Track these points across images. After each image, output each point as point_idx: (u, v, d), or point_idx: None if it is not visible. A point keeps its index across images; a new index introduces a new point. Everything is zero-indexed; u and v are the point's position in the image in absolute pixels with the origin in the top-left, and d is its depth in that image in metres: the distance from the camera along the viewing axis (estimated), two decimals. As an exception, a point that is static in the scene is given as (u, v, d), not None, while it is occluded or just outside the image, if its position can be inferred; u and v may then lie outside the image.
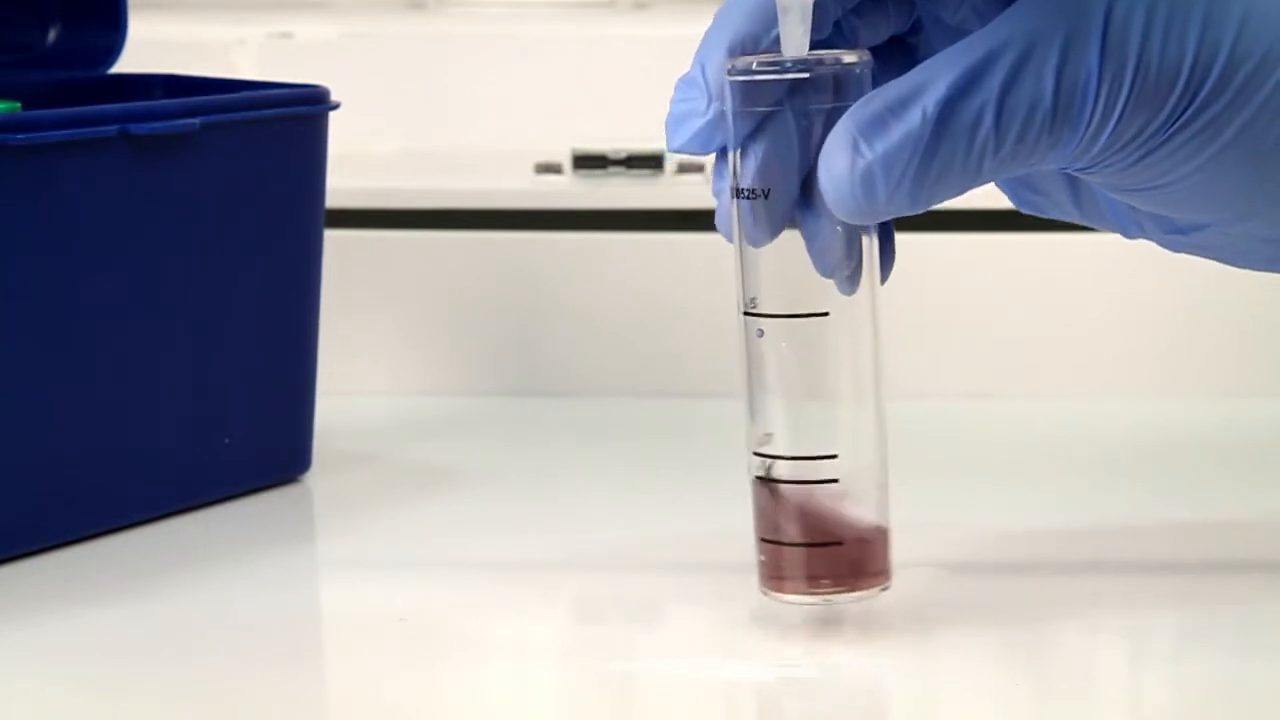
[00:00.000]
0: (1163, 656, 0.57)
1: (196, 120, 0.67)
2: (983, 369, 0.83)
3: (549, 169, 0.87)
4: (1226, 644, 0.56)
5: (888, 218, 0.52)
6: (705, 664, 0.55)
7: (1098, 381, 0.83)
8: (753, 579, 0.55)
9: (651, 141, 0.85)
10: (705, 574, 0.61)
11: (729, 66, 0.53)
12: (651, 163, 0.86)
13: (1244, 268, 0.57)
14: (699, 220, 0.84)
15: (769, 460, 0.54)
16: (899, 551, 0.56)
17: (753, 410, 0.54)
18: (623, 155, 0.86)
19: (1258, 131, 0.52)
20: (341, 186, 0.75)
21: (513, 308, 0.85)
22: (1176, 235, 0.56)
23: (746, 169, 0.53)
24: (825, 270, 0.53)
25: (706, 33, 0.54)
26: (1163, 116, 0.51)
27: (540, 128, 0.93)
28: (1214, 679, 0.54)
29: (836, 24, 0.54)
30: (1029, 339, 0.83)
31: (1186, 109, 0.51)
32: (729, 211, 0.55)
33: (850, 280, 0.53)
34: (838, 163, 0.51)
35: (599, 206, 0.85)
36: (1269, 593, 0.60)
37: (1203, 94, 0.51)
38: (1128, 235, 0.58)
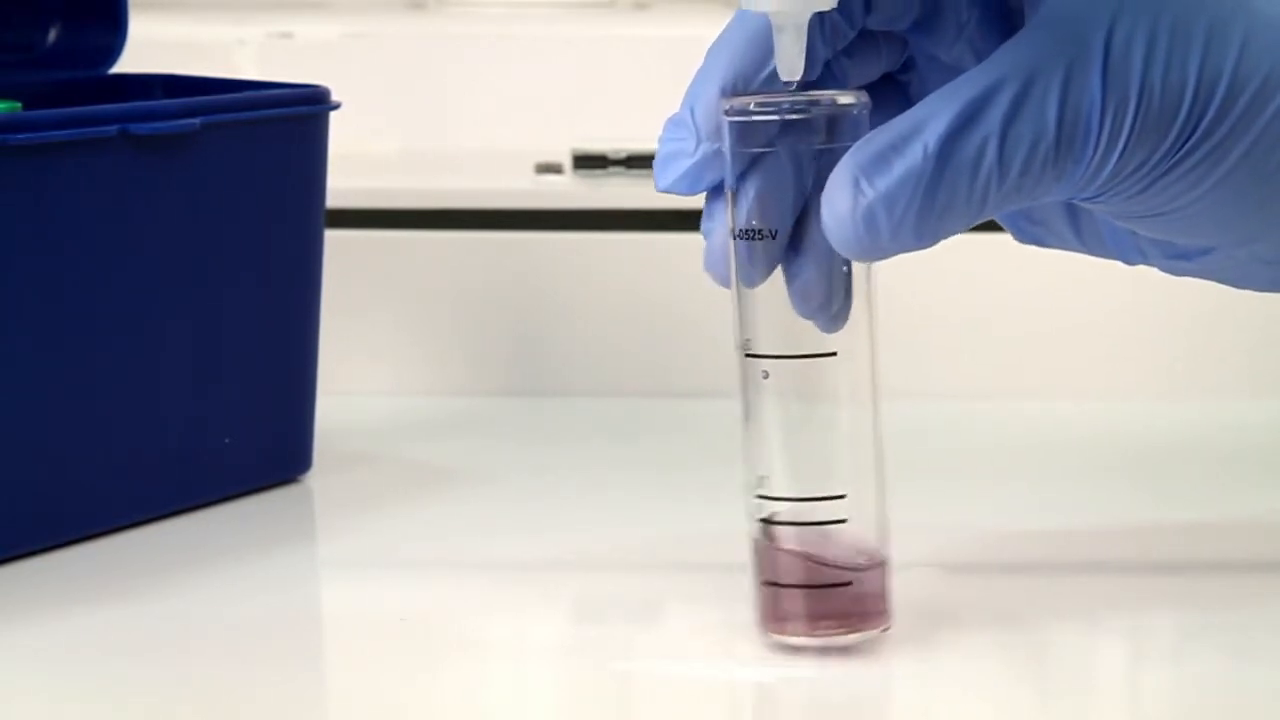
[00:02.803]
0: (1163, 656, 0.57)
1: (197, 120, 0.67)
2: (982, 369, 0.83)
3: (549, 169, 0.87)
4: (1226, 644, 0.56)
5: (893, 255, 0.52)
6: (705, 664, 0.55)
7: (1098, 382, 0.83)
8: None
9: (651, 141, 0.84)
10: (705, 574, 0.61)
11: (726, 106, 0.53)
12: (651, 163, 0.85)
13: (1245, 289, 0.57)
14: (699, 220, 0.84)
15: (769, 503, 0.54)
16: (899, 552, 0.56)
17: (749, 451, 0.54)
18: (623, 155, 0.86)
19: (1262, 154, 0.51)
20: (341, 186, 0.75)
21: (513, 308, 0.85)
22: (1180, 260, 0.56)
23: (744, 209, 0.53)
24: (806, 312, 0.53)
25: (697, 72, 0.54)
26: (1167, 144, 0.51)
27: (540, 128, 0.93)
28: (1214, 679, 0.54)
29: (827, 65, 0.54)
30: (1029, 339, 0.83)
31: (1191, 135, 0.51)
32: (719, 252, 0.54)
33: (835, 319, 0.53)
34: (840, 202, 0.51)
35: (599, 206, 0.85)
36: (1269, 593, 0.60)
37: (1206, 120, 0.51)
38: (1129, 262, 0.58)
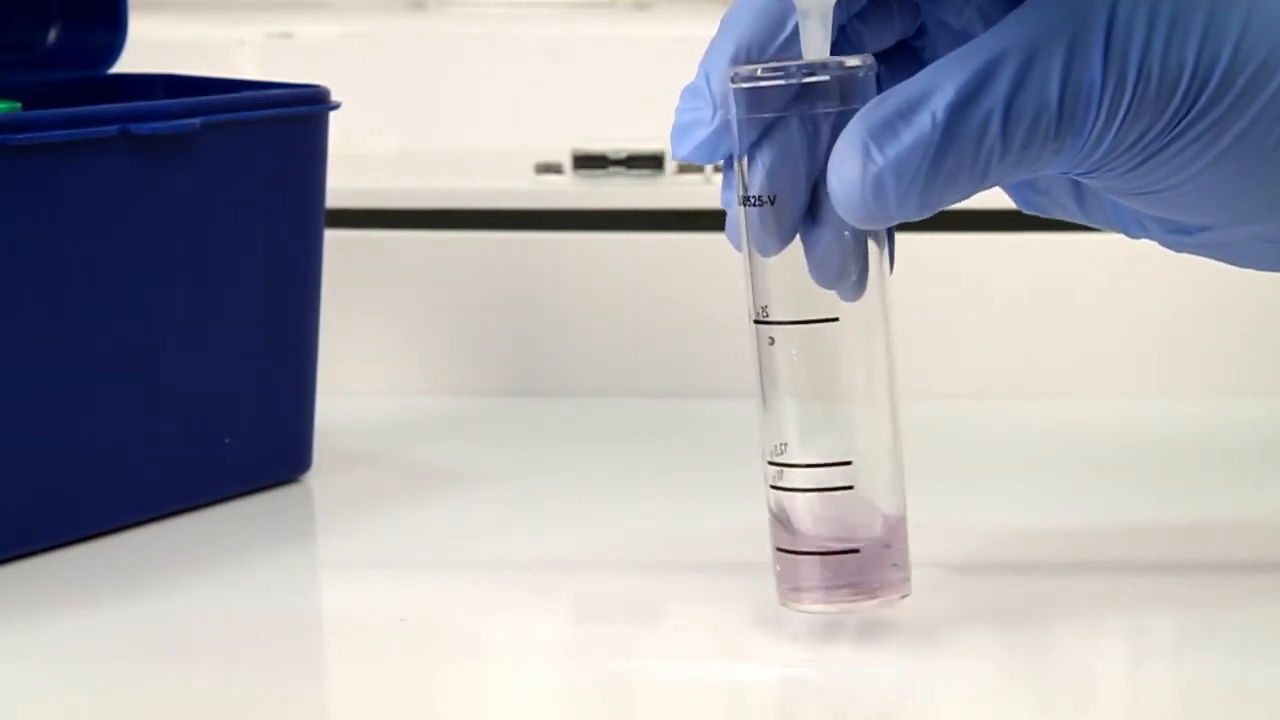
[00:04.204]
0: (1163, 656, 0.57)
1: (197, 120, 0.67)
2: (983, 369, 0.83)
3: (549, 169, 0.87)
4: (1226, 644, 0.56)
5: (895, 222, 0.52)
6: (705, 664, 0.55)
7: (1098, 381, 0.83)
8: (753, 579, 0.55)
9: (651, 141, 0.84)
10: (705, 574, 0.61)
11: (733, 74, 0.53)
12: (651, 163, 0.86)
13: (1247, 267, 0.57)
14: (699, 220, 0.84)
15: (784, 469, 0.54)
16: (900, 551, 0.56)
17: (766, 419, 0.54)
18: (623, 155, 0.86)
19: (1259, 135, 0.52)
20: (341, 186, 0.75)
21: (513, 308, 0.85)
22: (1180, 235, 0.56)
23: (753, 176, 0.53)
24: (824, 281, 0.53)
25: (711, 41, 0.54)
26: (1164, 121, 0.51)
27: (540, 128, 0.93)
28: (1214, 679, 0.54)
29: (841, 29, 0.54)
30: (1029, 339, 0.83)
31: (1188, 113, 0.51)
32: (738, 221, 0.54)
33: (854, 287, 0.53)
34: (849, 168, 0.51)
35: (599, 206, 0.85)
36: (1269, 593, 0.60)
37: (1204, 98, 0.51)
38: (1131, 235, 0.58)
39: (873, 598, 0.54)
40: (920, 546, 0.62)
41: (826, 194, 0.52)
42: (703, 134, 0.54)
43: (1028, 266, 0.83)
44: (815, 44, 0.52)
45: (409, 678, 0.55)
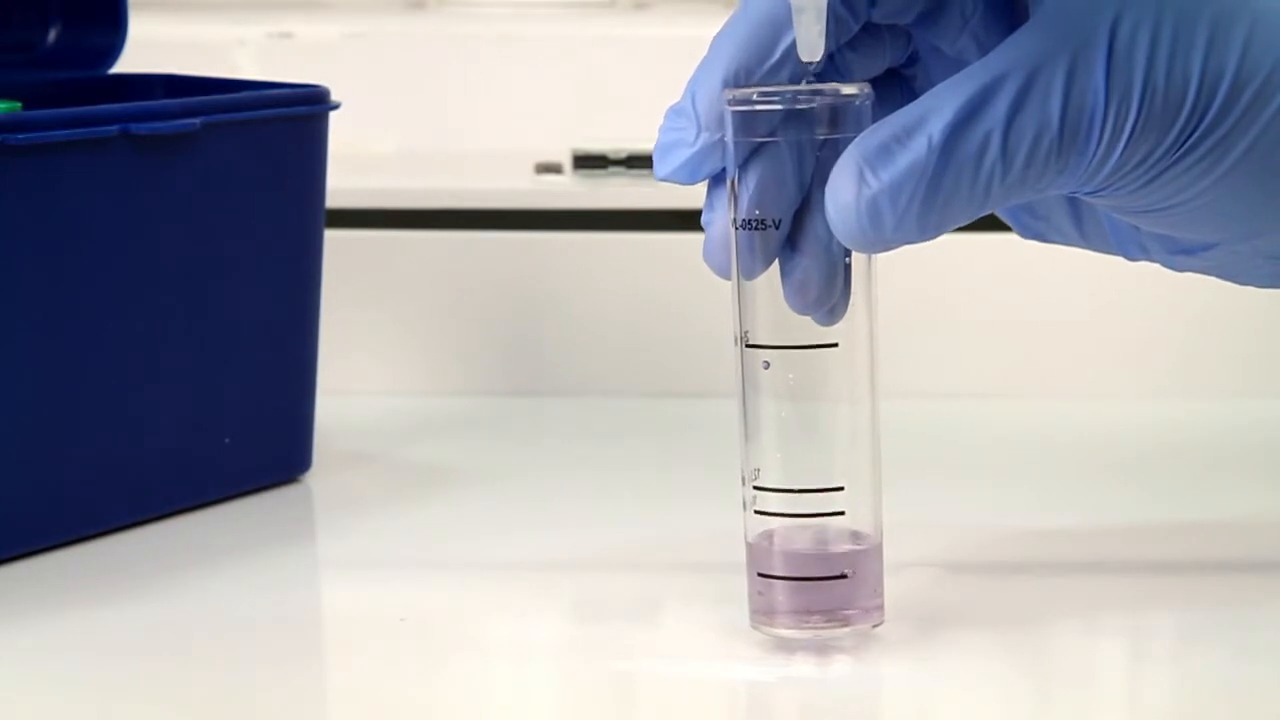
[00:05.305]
0: (1163, 656, 0.57)
1: (197, 120, 0.67)
2: (983, 369, 0.84)
3: (549, 169, 0.87)
4: (1226, 644, 0.56)
5: (896, 247, 0.52)
6: (705, 664, 0.55)
7: (1098, 382, 0.83)
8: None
9: (651, 142, 0.84)
10: (705, 574, 0.61)
11: (729, 96, 0.53)
12: (651, 163, 0.85)
13: (1246, 285, 0.57)
14: (699, 220, 0.84)
15: (764, 494, 0.54)
16: (899, 551, 0.56)
17: (748, 443, 0.54)
18: (623, 155, 0.86)
19: (1265, 149, 0.51)
20: (341, 186, 0.75)
21: (513, 308, 0.85)
22: (1183, 256, 0.56)
23: (748, 199, 0.53)
24: (801, 307, 0.53)
25: (700, 62, 0.54)
26: (1170, 139, 0.51)
27: (540, 128, 0.93)
28: (1214, 679, 0.54)
29: (831, 58, 0.54)
30: (1029, 339, 0.83)
31: (1194, 130, 0.51)
32: (718, 242, 0.54)
33: (833, 314, 0.53)
34: (844, 192, 0.51)
35: (599, 206, 0.85)
36: (1269, 593, 0.60)
37: (1210, 115, 0.51)
38: (1130, 258, 0.58)
39: (844, 625, 0.54)
40: (918, 546, 0.62)
41: (810, 222, 0.52)
42: (685, 154, 0.54)
43: (1028, 267, 0.83)
44: (810, 39, 0.52)
45: (409, 678, 0.55)
